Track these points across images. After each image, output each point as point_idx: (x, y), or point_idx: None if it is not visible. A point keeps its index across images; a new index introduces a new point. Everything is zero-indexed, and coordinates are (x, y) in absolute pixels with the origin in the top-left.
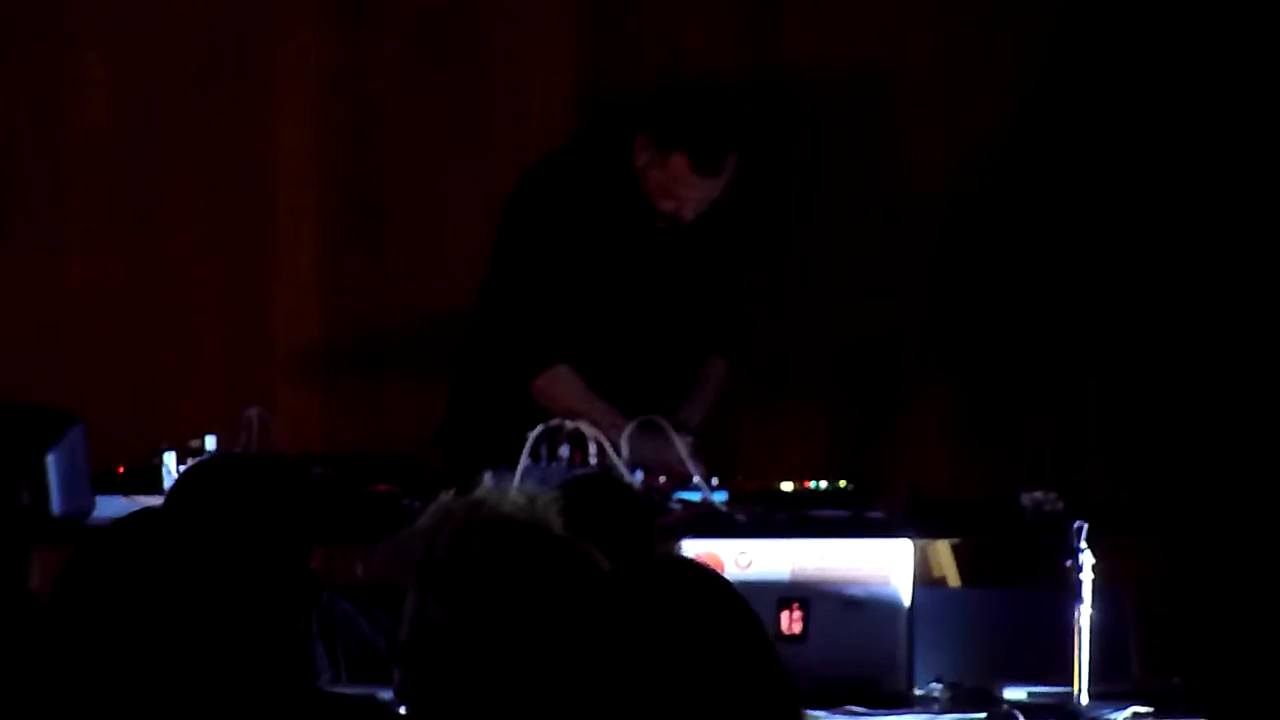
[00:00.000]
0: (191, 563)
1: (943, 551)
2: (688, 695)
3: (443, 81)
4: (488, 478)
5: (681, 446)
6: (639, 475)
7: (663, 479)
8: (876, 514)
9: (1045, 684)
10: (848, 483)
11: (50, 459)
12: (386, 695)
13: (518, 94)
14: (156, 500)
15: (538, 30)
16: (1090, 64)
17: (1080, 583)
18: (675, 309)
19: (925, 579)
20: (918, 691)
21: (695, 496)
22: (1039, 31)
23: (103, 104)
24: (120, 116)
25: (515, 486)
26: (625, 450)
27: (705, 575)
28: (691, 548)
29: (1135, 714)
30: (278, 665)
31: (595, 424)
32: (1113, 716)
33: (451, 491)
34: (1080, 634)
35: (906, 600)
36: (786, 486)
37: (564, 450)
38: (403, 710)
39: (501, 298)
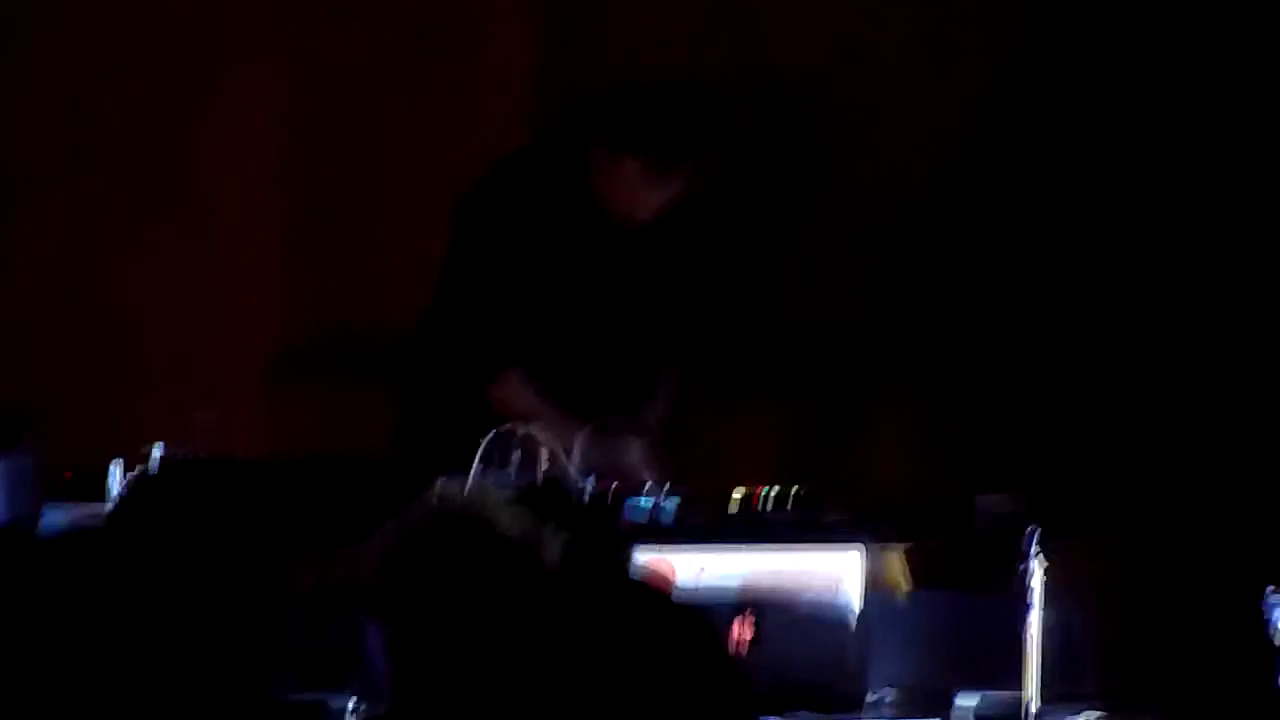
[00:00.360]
0: (140, 569)
1: (896, 556)
2: (643, 703)
3: (392, 82)
4: (440, 484)
5: (636, 450)
6: (590, 481)
7: (615, 484)
8: (829, 519)
9: (1000, 689)
10: (800, 487)
11: None
12: (338, 703)
13: (470, 96)
14: (104, 508)
15: (493, 34)
16: (1066, 59)
17: (1030, 588)
18: (638, 311)
19: (878, 584)
20: (871, 697)
21: (648, 503)
22: (1012, 27)
23: (55, 109)
24: (72, 121)
25: (471, 488)
26: (578, 456)
27: (655, 584)
28: (643, 556)
29: (1090, 718)
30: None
31: (545, 433)
32: None
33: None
34: (1030, 639)
35: (858, 606)
36: (739, 494)
37: (516, 456)
38: None
39: (454, 303)
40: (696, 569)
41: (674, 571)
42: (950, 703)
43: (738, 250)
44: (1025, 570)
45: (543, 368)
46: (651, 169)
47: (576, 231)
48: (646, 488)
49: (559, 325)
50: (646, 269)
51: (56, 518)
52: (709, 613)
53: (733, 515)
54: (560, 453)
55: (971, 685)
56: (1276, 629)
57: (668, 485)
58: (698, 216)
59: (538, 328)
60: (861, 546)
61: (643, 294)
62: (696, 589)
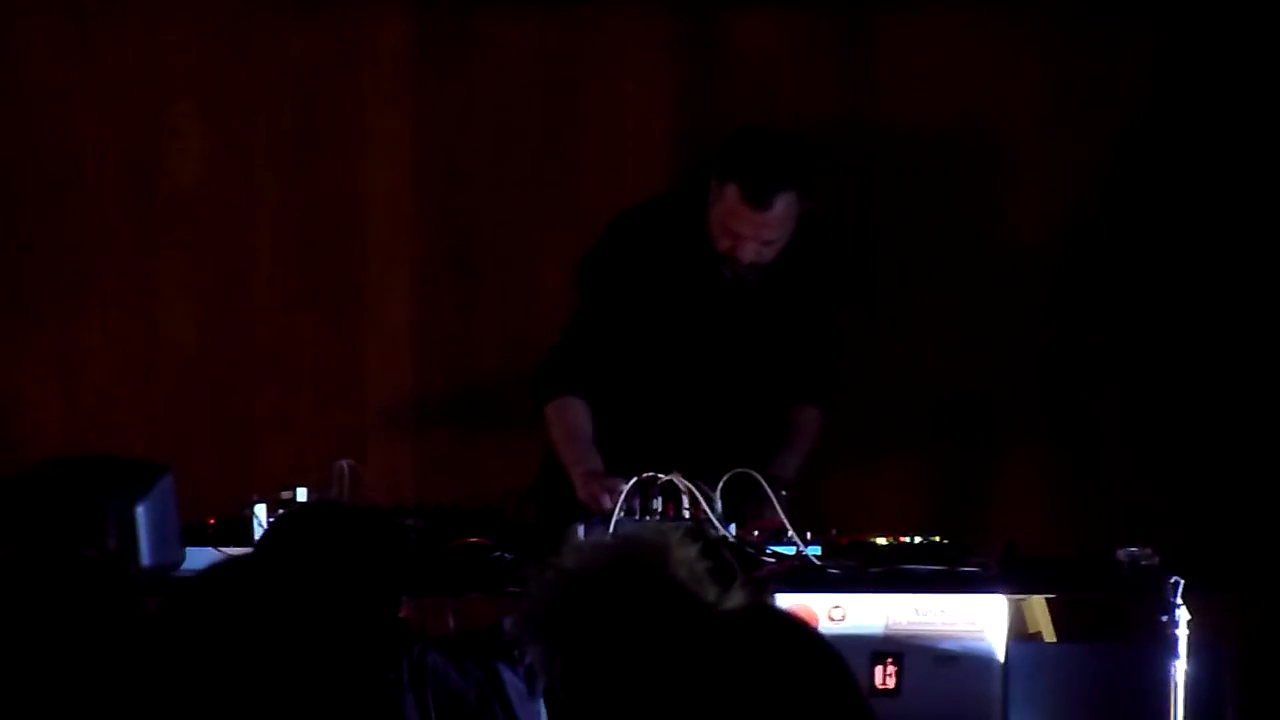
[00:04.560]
0: (282, 611)
1: (1038, 606)
2: None
3: (535, 134)
4: (579, 531)
5: (775, 500)
6: (732, 528)
7: (756, 532)
8: (971, 568)
9: None
10: (942, 537)
11: (139, 510)
12: None
13: (610, 145)
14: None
15: (631, 81)
16: (1191, 117)
17: (1176, 638)
18: (752, 359)
19: (1020, 634)
20: None
21: (789, 550)
22: (1137, 83)
23: (194, 155)
24: (212, 168)
25: (646, 530)
26: (719, 503)
27: (798, 627)
28: (785, 601)
29: None
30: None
31: (563, 463)
32: None
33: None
34: (1176, 690)
35: (1001, 655)
36: (881, 540)
37: (657, 503)
38: None
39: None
40: (838, 614)
41: (815, 617)
42: None
43: (870, 299)
44: (1170, 620)
45: (657, 411)
46: (747, 195)
47: (695, 278)
48: (788, 534)
49: (677, 369)
50: (771, 316)
51: (202, 561)
52: (850, 659)
53: (875, 562)
54: (702, 500)
55: None
56: None
57: (808, 533)
58: (825, 262)
59: (647, 370)
60: (1004, 595)
61: (765, 340)
62: (838, 635)
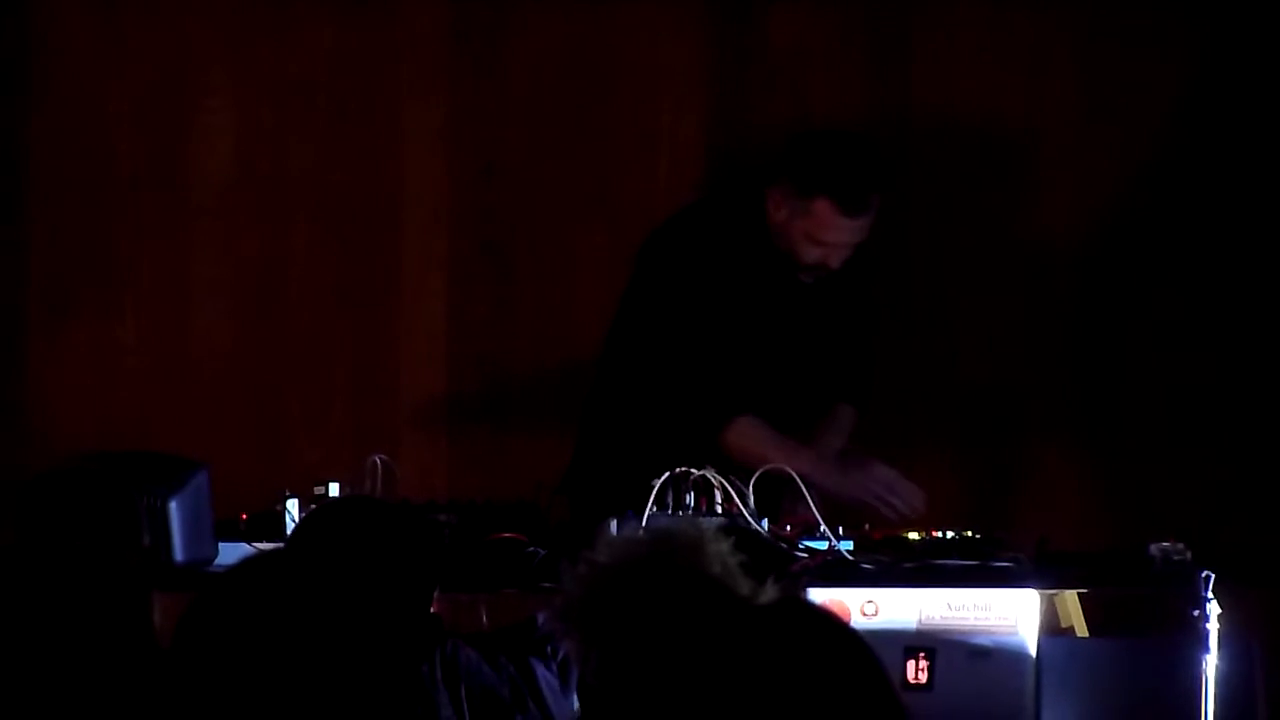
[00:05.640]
0: (313, 604)
1: (1070, 601)
2: None
3: (570, 130)
4: (612, 525)
5: (808, 495)
6: (765, 523)
7: (789, 527)
8: (1003, 563)
9: None
10: (974, 532)
11: (173, 506)
12: None
13: (645, 142)
14: (278, 547)
15: (665, 77)
16: (1226, 116)
17: (1207, 632)
18: (807, 360)
19: (1052, 629)
20: None
21: (822, 545)
22: (1172, 81)
23: (228, 152)
24: (245, 165)
25: (681, 524)
26: (751, 498)
27: (831, 622)
28: (818, 595)
29: None
30: (401, 710)
31: (794, 470)
32: None
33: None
34: (1207, 684)
35: (1033, 650)
36: (913, 535)
37: (690, 498)
38: None
39: (641, 344)
40: (870, 609)
41: (848, 611)
42: None
43: (905, 297)
44: (1201, 614)
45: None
46: (845, 206)
47: (757, 283)
48: (820, 530)
49: (741, 375)
50: (822, 318)
51: (235, 556)
52: (883, 654)
53: (908, 557)
54: (734, 494)
55: None
56: None
57: (841, 528)
58: (868, 263)
59: (720, 370)
60: (1037, 590)
61: (817, 342)
62: (870, 630)
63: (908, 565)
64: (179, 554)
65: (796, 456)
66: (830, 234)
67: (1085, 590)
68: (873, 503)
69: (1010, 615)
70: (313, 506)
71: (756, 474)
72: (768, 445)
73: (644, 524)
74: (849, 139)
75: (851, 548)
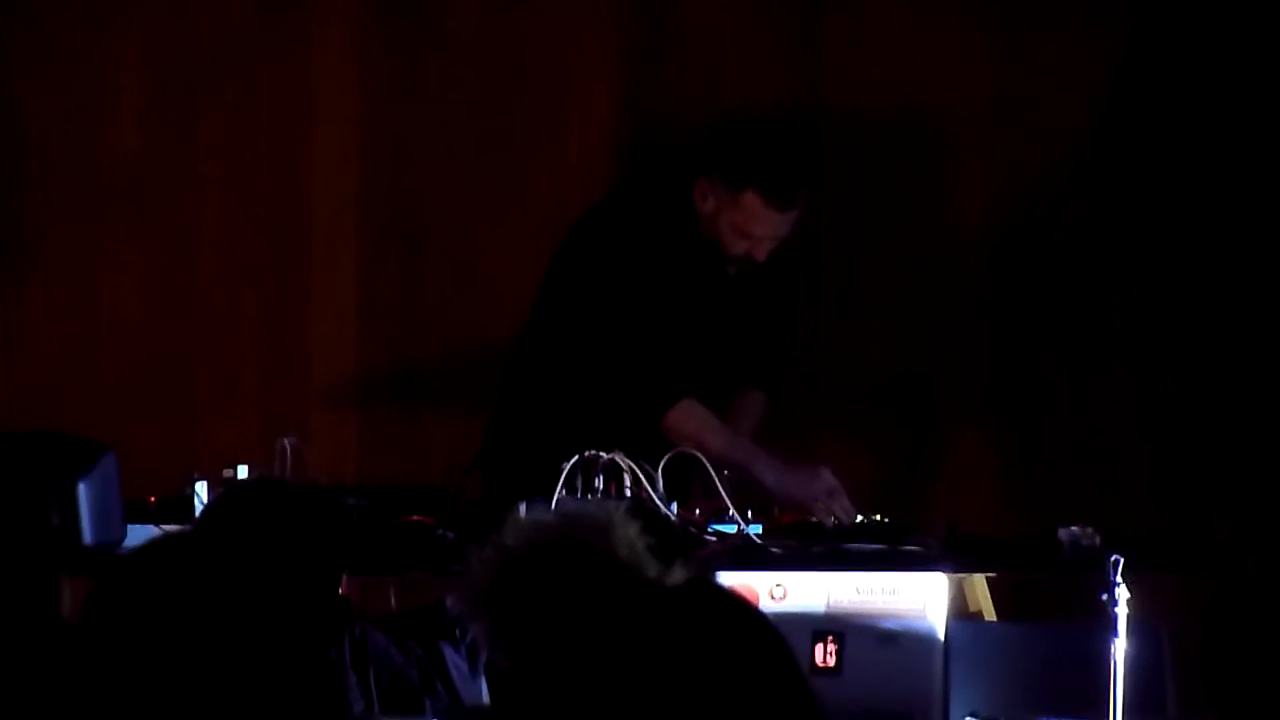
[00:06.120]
0: (221, 586)
1: (979, 585)
2: None
3: (481, 111)
4: (521, 508)
5: (718, 479)
6: (674, 506)
7: (697, 511)
8: (912, 547)
9: (1082, 719)
10: (883, 517)
11: (81, 488)
12: None
13: (557, 124)
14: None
15: (578, 60)
16: (1143, 101)
17: (1116, 617)
18: (724, 348)
19: (961, 613)
20: None
21: (730, 529)
22: (1088, 66)
23: (135, 127)
24: (154, 140)
25: (591, 508)
26: (660, 482)
27: (738, 604)
28: (727, 579)
29: None
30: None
31: (733, 458)
32: None
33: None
34: (1115, 669)
35: (942, 634)
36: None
37: (599, 481)
38: None
39: (586, 336)
40: (779, 593)
41: (756, 596)
42: None
43: (813, 280)
44: (1110, 599)
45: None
46: (774, 200)
47: (680, 273)
48: (729, 514)
49: (663, 353)
50: (740, 306)
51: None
52: (791, 638)
53: (816, 541)
54: (643, 478)
55: (1053, 715)
56: None
57: (749, 512)
58: (787, 255)
59: (655, 354)
60: (945, 574)
61: (734, 330)
62: (779, 614)
63: (816, 549)
64: (88, 536)
65: (743, 449)
66: (758, 227)
67: (994, 574)
68: (812, 507)
69: (919, 599)
70: (221, 490)
71: (666, 458)
72: (709, 431)
73: (552, 507)
74: (780, 131)
75: (760, 531)
